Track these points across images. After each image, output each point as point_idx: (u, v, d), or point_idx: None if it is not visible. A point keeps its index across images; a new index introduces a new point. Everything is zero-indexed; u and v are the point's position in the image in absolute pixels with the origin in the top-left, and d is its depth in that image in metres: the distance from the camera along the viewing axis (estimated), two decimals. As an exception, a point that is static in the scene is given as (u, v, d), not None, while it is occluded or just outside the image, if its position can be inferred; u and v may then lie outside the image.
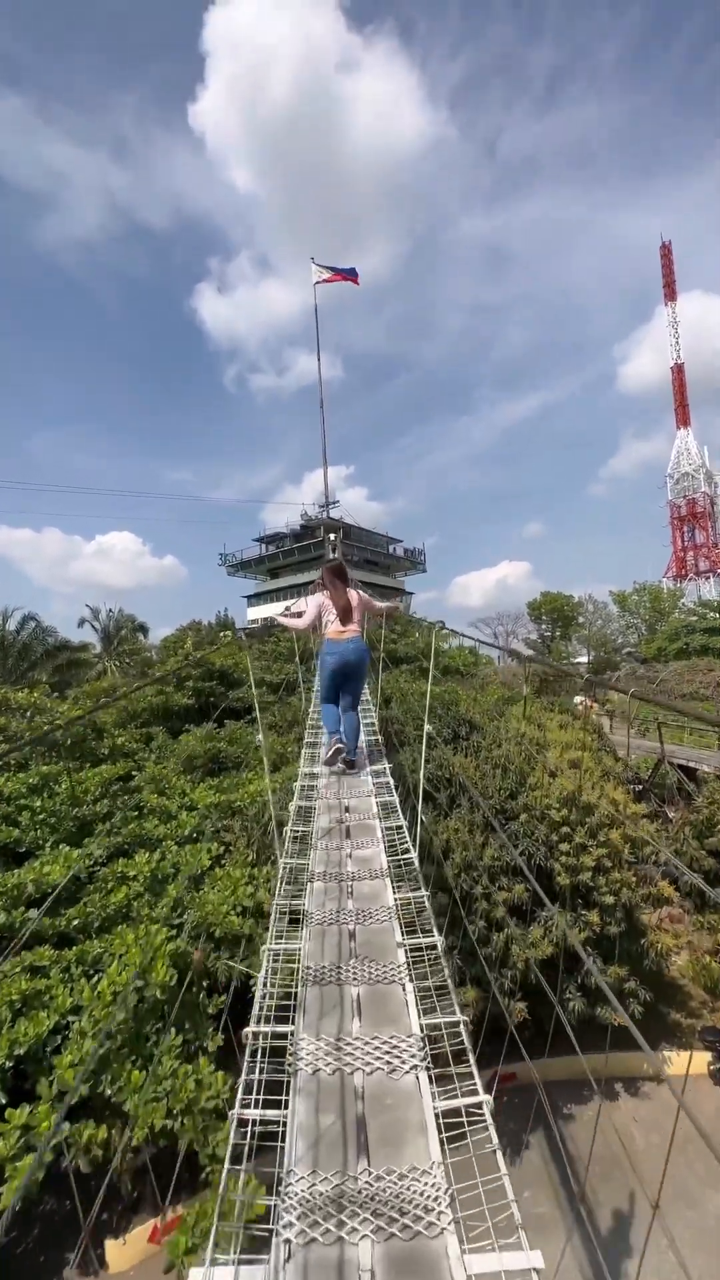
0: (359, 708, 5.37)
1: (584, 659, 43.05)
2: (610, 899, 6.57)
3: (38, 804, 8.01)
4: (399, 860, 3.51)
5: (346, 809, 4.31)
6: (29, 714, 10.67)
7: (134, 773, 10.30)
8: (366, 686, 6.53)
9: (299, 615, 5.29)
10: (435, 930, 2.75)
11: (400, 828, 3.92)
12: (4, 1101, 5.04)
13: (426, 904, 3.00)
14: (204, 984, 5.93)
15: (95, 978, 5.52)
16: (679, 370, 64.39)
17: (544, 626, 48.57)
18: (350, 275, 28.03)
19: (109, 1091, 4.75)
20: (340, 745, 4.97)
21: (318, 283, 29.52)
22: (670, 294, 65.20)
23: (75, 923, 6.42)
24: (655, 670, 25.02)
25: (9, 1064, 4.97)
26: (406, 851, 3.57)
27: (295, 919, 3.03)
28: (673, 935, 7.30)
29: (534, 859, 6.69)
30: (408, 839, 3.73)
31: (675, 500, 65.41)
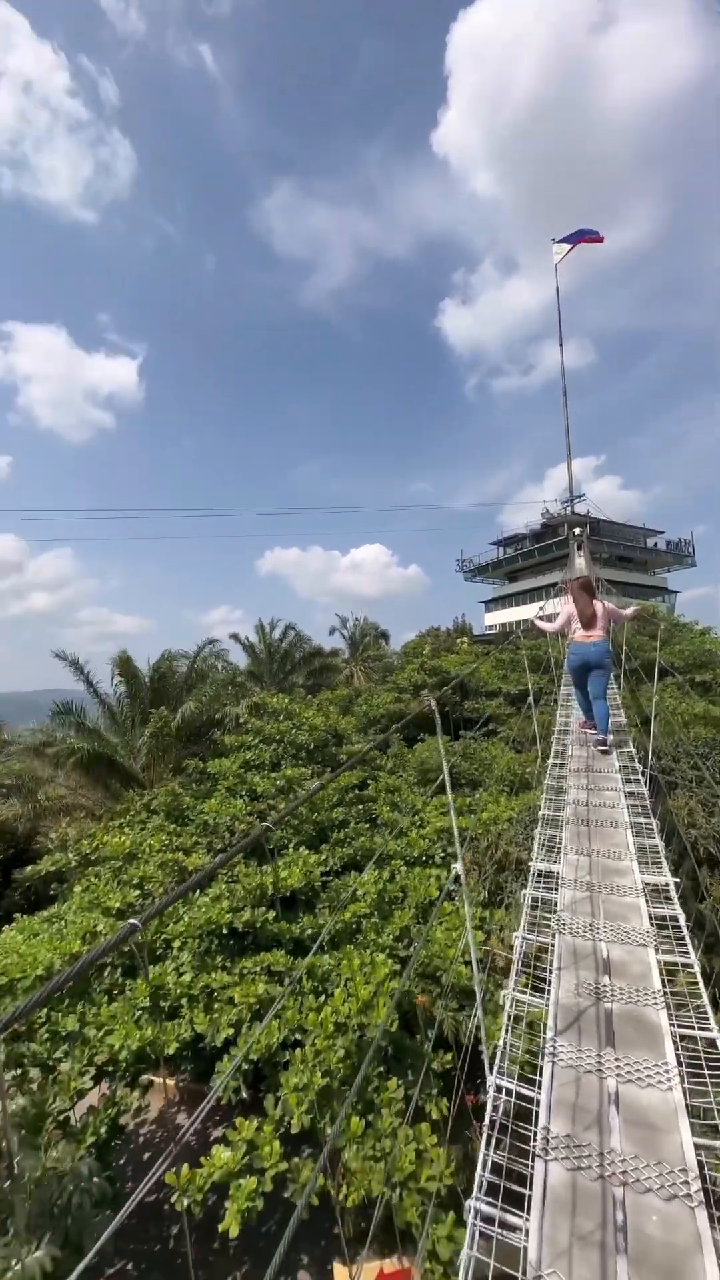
0: (606, 697, 6.29)
1: None
2: None
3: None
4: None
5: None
6: (280, 716, 11.69)
7: (369, 780, 10.46)
8: (613, 682, 8.06)
9: (550, 618, 6.46)
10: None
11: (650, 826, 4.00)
12: (245, 1098, 5.31)
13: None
14: (429, 1034, 5.40)
15: (322, 997, 5.44)
16: None
17: None
18: (592, 236, 25.16)
19: (328, 1130, 4.54)
20: (591, 727, 6.33)
21: (559, 261, 27.42)
22: None
23: (309, 932, 6.55)
24: None
25: (248, 1064, 5.20)
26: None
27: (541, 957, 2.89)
28: None
29: None
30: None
31: None
